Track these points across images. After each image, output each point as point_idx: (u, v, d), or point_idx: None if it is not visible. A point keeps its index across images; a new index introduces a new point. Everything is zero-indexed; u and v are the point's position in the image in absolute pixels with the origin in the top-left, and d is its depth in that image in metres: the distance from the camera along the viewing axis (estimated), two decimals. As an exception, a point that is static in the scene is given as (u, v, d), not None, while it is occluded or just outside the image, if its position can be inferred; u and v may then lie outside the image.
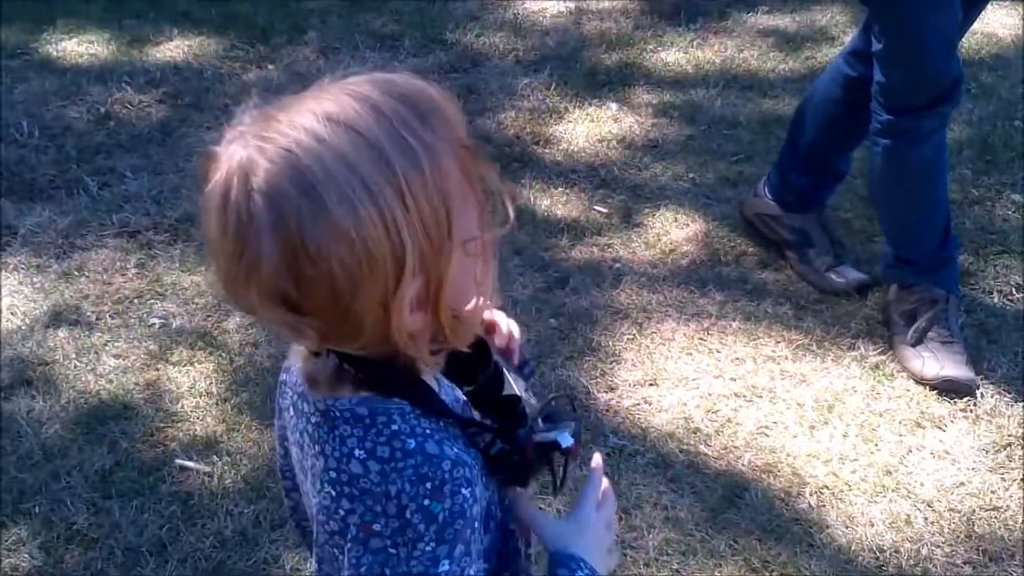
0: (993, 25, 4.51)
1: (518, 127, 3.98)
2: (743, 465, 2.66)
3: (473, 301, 1.17)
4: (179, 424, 2.79)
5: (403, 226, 1.07)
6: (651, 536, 2.49)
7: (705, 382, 2.89)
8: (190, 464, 2.68)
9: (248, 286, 1.08)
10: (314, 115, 1.07)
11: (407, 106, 1.10)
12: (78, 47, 4.50)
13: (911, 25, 2.67)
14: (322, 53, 4.45)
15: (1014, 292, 3.15)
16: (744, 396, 2.85)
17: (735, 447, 2.71)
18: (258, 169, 1.06)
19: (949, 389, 2.81)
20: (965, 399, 2.80)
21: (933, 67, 2.71)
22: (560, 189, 3.64)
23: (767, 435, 2.74)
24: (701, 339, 3.03)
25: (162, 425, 2.79)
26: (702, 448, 2.70)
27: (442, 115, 1.12)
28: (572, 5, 4.85)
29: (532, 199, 3.58)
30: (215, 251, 1.10)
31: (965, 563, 2.43)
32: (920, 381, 2.84)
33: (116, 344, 3.03)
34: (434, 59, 4.44)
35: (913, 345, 2.90)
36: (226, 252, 1.08)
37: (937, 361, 2.84)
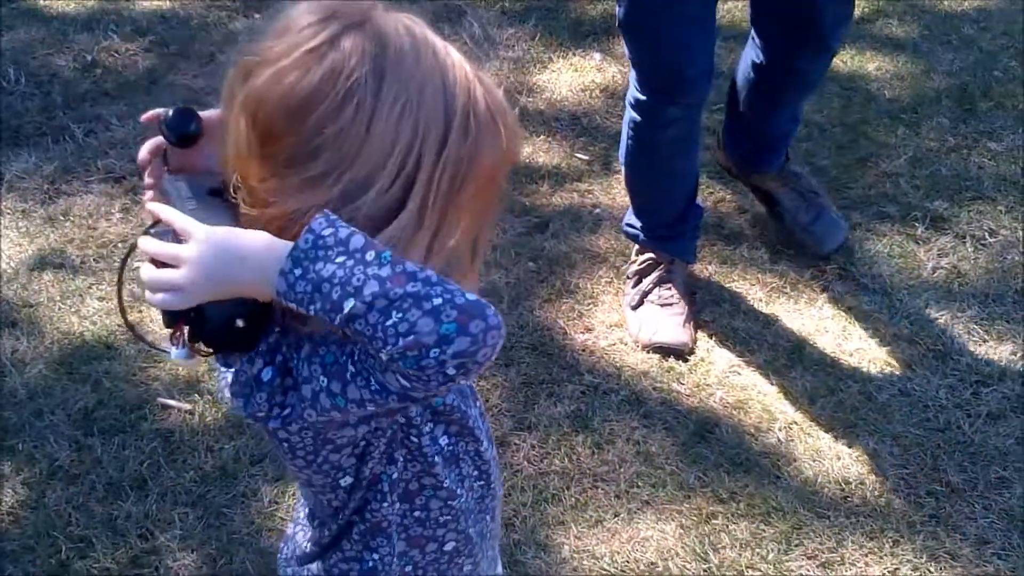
0: (977, -23, 4.53)
1: (502, 77, 4.00)
2: (714, 402, 2.71)
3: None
4: (161, 364, 2.83)
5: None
6: (623, 469, 2.55)
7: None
8: (172, 402, 2.73)
9: None
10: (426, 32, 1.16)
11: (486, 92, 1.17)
12: (65, -3, 4.52)
13: (645, 21, 2.64)
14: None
15: (987, 237, 3.19)
16: (718, 336, 2.89)
17: (707, 385, 2.76)
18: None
19: (662, 353, 2.83)
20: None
21: (666, 63, 2.69)
22: (543, 137, 3.67)
23: (739, 374, 2.78)
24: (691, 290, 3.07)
25: (144, 365, 2.83)
26: (675, 386, 2.75)
27: (510, 126, 1.19)
28: (559, -43, 4.85)
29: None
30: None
31: (928, 494, 2.48)
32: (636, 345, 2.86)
33: (100, 287, 3.07)
34: (420, 9, 4.42)
35: (634, 308, 2.92)
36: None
37: (652, 326, 2.85)
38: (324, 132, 1.10)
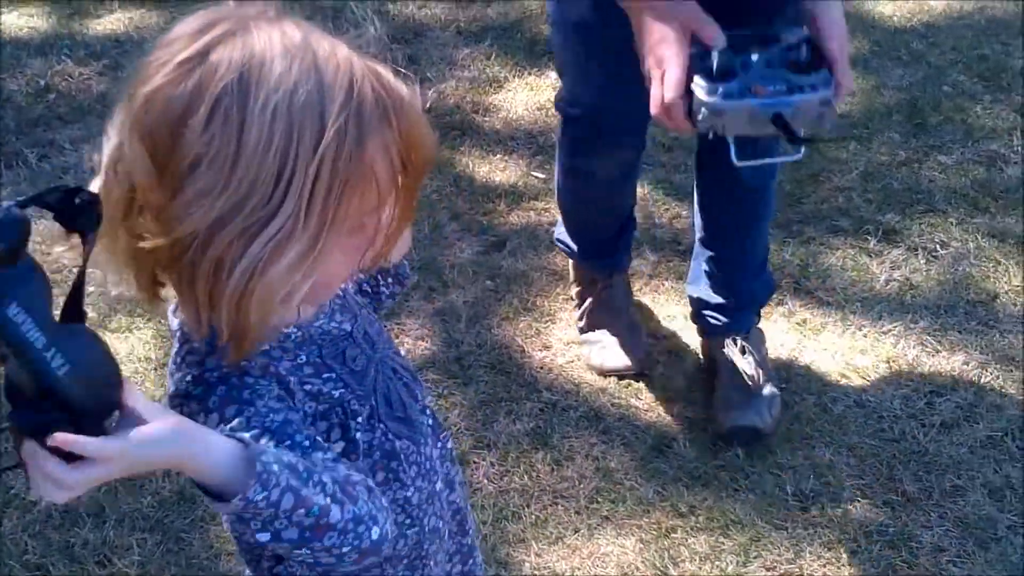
0: (925, -7, 4.60)
1: (458, 96, 4.02)
2: (672, 416, 2.72)
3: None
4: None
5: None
6: (583, 485, 2.56)
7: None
8: (129, 426, 2.70)
9: None
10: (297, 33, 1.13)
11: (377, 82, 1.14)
12: (18, 20, 4.49)
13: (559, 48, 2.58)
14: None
15: (938, 249, 3.23)
16: (675, 352, 2.91)
17: (665, 400, 2.77)
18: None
19: (616, 377, 2.80)
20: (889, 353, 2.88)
21: (569, 92, 2.59)
22: (499, 156, 3.69)
23: (696, 390, 2.80)
24: (634, 298, 3.08)
25: (101, 389, 2.81)
26: (633, 401, 2.77)
27: (408, 116, 1.16)
28: (513, -23, 4.88)
29: (471, 166, 3.63)
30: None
31: (884, 504, 2.51)
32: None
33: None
34: (376, 30, 4.45)
35: (582, 332, 2.90)
36: None
37: (599, 353, 2.82)
38: (200, 144, 1.08)
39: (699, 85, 1.95)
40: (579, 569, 2.38)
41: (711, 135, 1.99)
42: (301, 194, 1.09)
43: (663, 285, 3.13)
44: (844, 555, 2.40)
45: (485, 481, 2.56)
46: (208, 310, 1.13)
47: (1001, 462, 2.60)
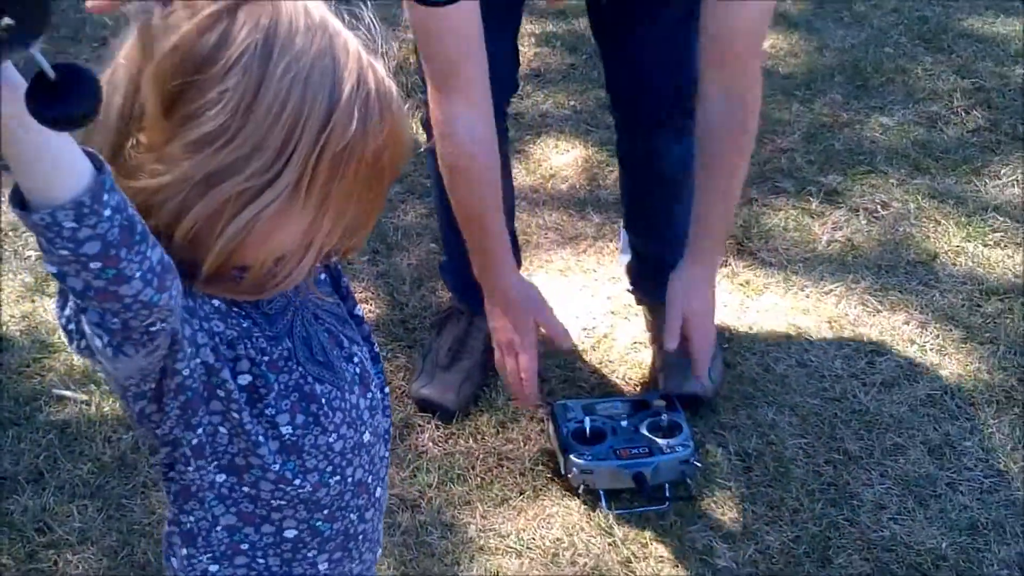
0: (868, -45, 4.61)
1: (401, 58, 3.97)
2: (617, 378, 2.73)
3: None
4: (56, 355, 2.78)
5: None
6: (528, 447, 2.56)
7: (582, 301, 2.95)
8: (67, 393, 2.67)
9: None
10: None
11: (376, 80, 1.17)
12: None
13: None
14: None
15: (879, 209, 3.25)
16: (619, 314, 2.92)
17: (610, 362, 2.78)
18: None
19: (423, 407, 2.64)
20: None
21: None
22: (442, 118, 3.66)
23: (640, 350, 2.81)
24: (578, 260, 3.09)
25: (39, 356, 2.78)
26: (578, 364, 2.77)
27: (396, 116, 1.18)
28: (456, -63, 4.83)
29: (415, 129, 3.59)
30: None
31: (826, 463, 2.53)
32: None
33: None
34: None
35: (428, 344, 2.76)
36: None
37: (425, 378, 2.66)
38: (215, 92, 1.11)
39: (571, 447, 2.40)
40: (524, 530, 2.38)
41: (581, 488, 2.40)
42: (304, 169, 1.13)
43: (607, 247, 3.13)
44: (787, 514, 2.42)
45: (430, 444, 2.56)
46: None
47: (940, 420, 2.63)
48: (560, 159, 3.47)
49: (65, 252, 0.98)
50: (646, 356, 2.79)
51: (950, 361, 2.78)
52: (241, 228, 1.14)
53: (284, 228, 1.16)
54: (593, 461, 2.41)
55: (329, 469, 1.34)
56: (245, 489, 1.31)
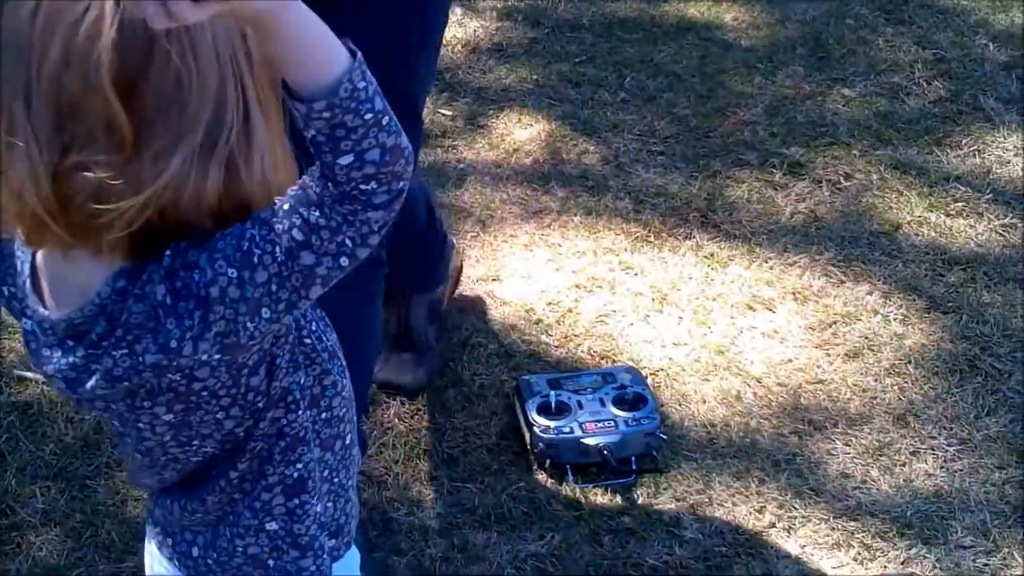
0: (828, -73, 4.61)
1: (362, 33, 3.95)
2: (582, 352, 2.73)
3: None
4: (16, 336, 2.74)
5: None
6: (494, 422, 2.55)
7: (546, 275, 2.95)
8: (28, 374, 2.64)
9: None
10: None
11: None
12: None
13: None
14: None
15: (842, 181, 3.26)
16: (584, 287, 2.91)
17: (575, 335, 2.78)
18: None
19: (388, 390, 2.63)
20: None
21: None
22: (404, 93, 3.63)
23: (605, 323, 2.81)
24: (543, 235, 3.08)
25: (-1, 337, 2.75)
26: (543, 338, 2.77)
27: None
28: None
29: (376, 104, 3.57)
30: None
31: (792, 433, 2.54)
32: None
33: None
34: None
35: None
36: None
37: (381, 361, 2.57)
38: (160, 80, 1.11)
39: (536, 422, 2.40)
40: (492, 505, 2.38)
41: (547, 462, 2.41)
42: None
43: (572, 220, 3.12)
44: (753, 484, 2.43)
45: (396, 420, 2.55)
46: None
47: (904, 389, 2.64)
48: (523, 133, 3.46)
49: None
50: (612, 329, 2.79)
51: (913, 331, 2.79)
52: (262, 159, 1.16)
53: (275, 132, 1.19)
54: (559, 435, 2.41)
55: (341, 364, 1.40)
56: (323, 415, 1.36)
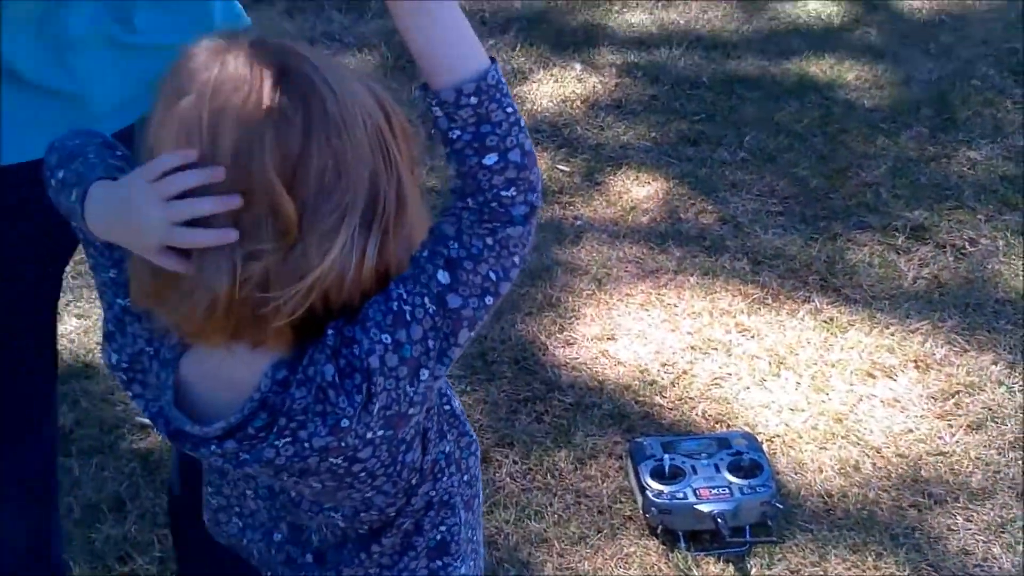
0: (955, -15, 4.55)
1: (482, 88, 3.99)
2: (697, 415, 2.70)
3: None
4: (141, 382, 2.81)
5: None
6: (606, 485, 2.53)
7: (661, 336, 2.93)
8: (149, 421, 2.70)
9: None
10: None
11: None
12: None
13: None
14: (288, 14, 4.46)
15: (967, 246, 3.19)
16: (700, 349, 2.89)
17: (690, 398, 2.75)
18: None
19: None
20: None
21: None
22: (523, 149, 3.66)
23: (721, 386, 2.78)
24: (659, 294, 3.06)
25: (124, 383, 2.81)
26: (657, 399, 2.75)
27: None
28: (538, -32, 4.85)
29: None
30: None
31: (911, 506, 2.47)
32: None
33: (78, 304, 3.05)
34: (389, 22, 4.44)
35: None
36: None
37: None
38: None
39: (650, 486, 2.37)
40: (601, 570, 2.36)
41: (660, 527, 2.37)
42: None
43: (688, 281, 3.10)
44: (869, 558, 2.37)
45: (508, 479, 2.54)
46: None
47: (1030, 464, 2.57)
48: (641, 191, 3.46)
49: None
50: (728, 392, 2.76)
51: (1040, 403, 2.71)
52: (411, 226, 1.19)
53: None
54: (672, 500, 2.38)
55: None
56: (465, 477, 1.38)
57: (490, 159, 1.13)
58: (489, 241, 1.14)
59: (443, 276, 1.15)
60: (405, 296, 1.15)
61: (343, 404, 1.15)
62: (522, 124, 1.15)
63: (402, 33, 1.16)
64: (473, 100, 1.12)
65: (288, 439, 1.18)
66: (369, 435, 1.19)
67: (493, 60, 1.15)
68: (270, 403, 1.18)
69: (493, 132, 1.13)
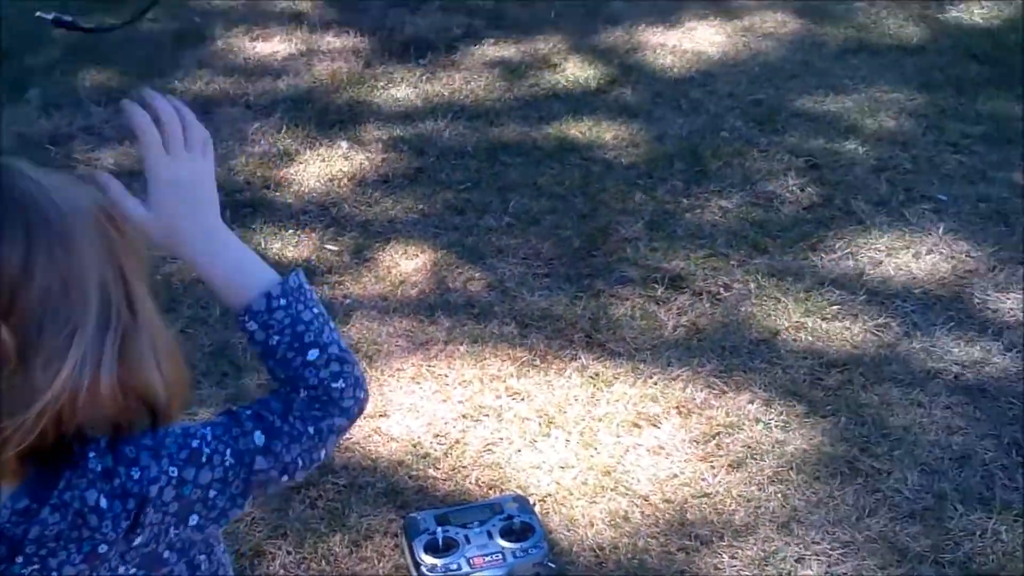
0: (702, 44, 4.78)
1: (248, 172, 3.99)
2: (470, 483, 2.74)
3: None
4: None
5: None
6: (381, 564, 2.54)
7: (433, 407, 2.96)
8: None
9: None
10: None
11: None
12: None
13: None
14: (44, 111, 4.37)
15: (722, 292, 3.34)
16: (471, 416, 2.93)
17: (463, 467, 2.79)
18: None
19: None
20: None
21: None
22: (291, 231, 3.67)
23: (493, 452, 2.82)
24: (430, 366, 3.10)
25: None
26: (431, 472, 2.77)
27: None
28: (303, 47, 4.90)
29: (263, 243, 3.60)
30: None
31: (679, 550, 2.56)
32: None
33: None
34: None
35: None
36: None
37: None
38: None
39: (424, 561, 2.40)
40: (382, 648, 2.37)
41: None
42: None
43: (458, 350, 3.15)
44: (642, 605, 2.44)
45: (282, 571, 2.52)
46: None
47: (787, 496, 2.68)
48: (409, 264, 3.50)
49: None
50: (500, 457, 2.81)
51: (794, 436, 2.84)
52: (152, 349, 1.17)
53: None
54: (446, 573, 2.41)
55: None
56: None
57: (312, 354, 1.21)
58: (311, 429, 1.21)
59: (260, 439, 1.19)
60: (208, 438, 1.17)
61: (105, 528, 1.13)
62: (332, 324, 1.23)
63: (201, 269, 1.24)
64: (283, 302, 1.21)
65: (36, 567, 1.14)
66: (122, 570, 1.16)
67: (294, 268, 1.24)
68: (8, 534, 1.13)
69: (308, 330, 1.21)
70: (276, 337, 1.21)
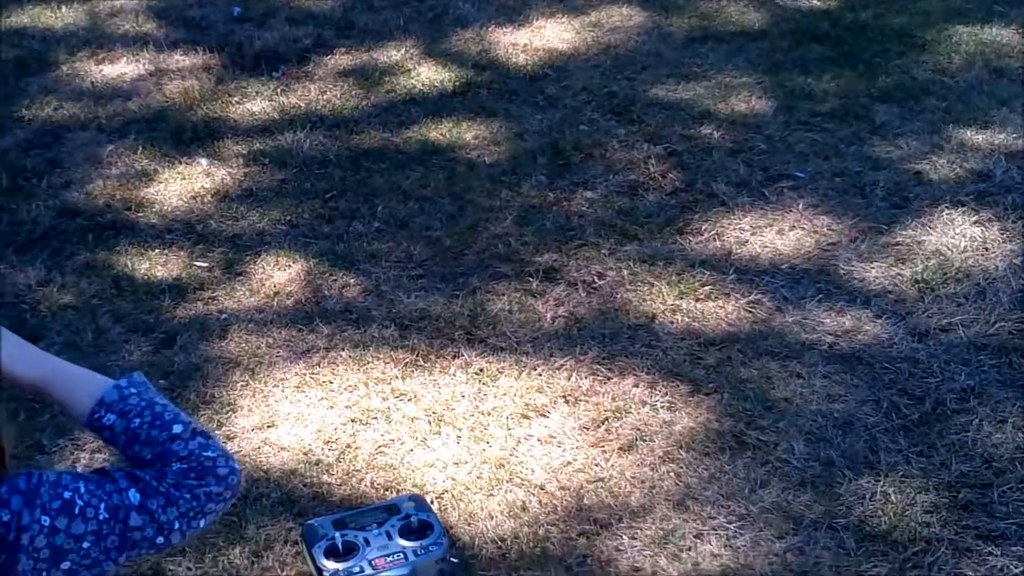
0: (553, 41, 4.83)
1: (107, 195, 3.90)
2: (365, 486, 2.72)
3: None
4: None
5: None
6: (284, 573, 2.51)
7: (321, 414, 2.94)
8: None
9: None
10: None
11: None
12: None
13: None
14: None
15: (596, 280, 3.39)
16: (360, 421, 2.92)
17: (356, 471, 2.77)
18: None
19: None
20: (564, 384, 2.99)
21: None
22: (157, 251, 3.60)
23: (385, 454, 2.82)
24: (313, 374, 3.08)
25: None
26: (325, 478, 2.75)
27: None
28: (151, 67, 4.79)
29: (130, 265, 3.52)
30: None
31: (579, 535, 2.59)
32: None
33: None
34: (12, 139, 4.27)
35: None
36: None
37: None
38: None
39: (325, 567, 2.34)
40: (292, 659, 2.34)
41: None
42: None
43: (340, 356, 3.13)
44: (548, 591, 2.46)
45: (182, 589, 2.48)
46: None
47: (680, 474, 2.74)
48: (282, 275, 3.47)
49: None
50: (392, 458, 2.80)
51: (681, 415, 2.90)
52: None
53: None
54: None
55: None
56: None
57: (177, 428, 1.27)
58: (187, 495, 1.25)
59: (135, 496, 1.22)
60: (82, 491, 1.20)
61: None
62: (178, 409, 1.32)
63: (41, 384, 1.28)
64: (134, 390, 1.27)
65: None
66: None
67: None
68: None
69: (166, 409, 1.28)
70: (136, 420, 1.26)
